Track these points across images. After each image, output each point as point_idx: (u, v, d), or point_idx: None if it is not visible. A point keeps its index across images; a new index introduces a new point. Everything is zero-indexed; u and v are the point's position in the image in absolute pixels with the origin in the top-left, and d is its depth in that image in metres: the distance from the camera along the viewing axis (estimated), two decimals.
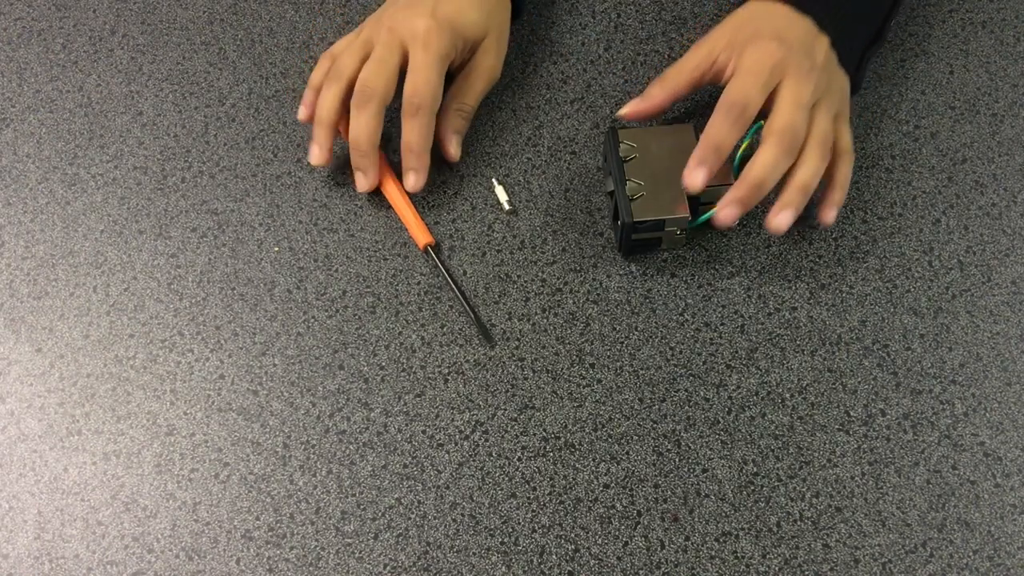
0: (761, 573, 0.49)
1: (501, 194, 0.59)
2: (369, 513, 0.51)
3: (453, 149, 0.59)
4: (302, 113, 0.59)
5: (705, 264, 0.57)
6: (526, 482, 0.51)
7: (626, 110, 0.56)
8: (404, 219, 0.58)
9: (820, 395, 0.53)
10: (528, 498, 0.51)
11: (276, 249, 0.58)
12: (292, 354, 0.55)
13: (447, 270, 0.55)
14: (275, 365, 0.55)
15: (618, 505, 0.51)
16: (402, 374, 0.54)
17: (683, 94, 0.55)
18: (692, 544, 0.50)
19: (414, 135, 0.56)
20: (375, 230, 0.58)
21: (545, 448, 0.52)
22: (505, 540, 0.50)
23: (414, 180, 0.57)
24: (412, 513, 0.51)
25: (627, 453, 0.52)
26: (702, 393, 0.53)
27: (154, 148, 0.62)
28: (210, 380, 0.54)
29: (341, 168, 0.60)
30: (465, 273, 0.57)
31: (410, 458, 0.52)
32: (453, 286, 0.55)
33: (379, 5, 0.65)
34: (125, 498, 0.52)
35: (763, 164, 0.50)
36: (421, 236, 0.57)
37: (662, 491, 0.51)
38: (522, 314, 0.56)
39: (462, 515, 0.51)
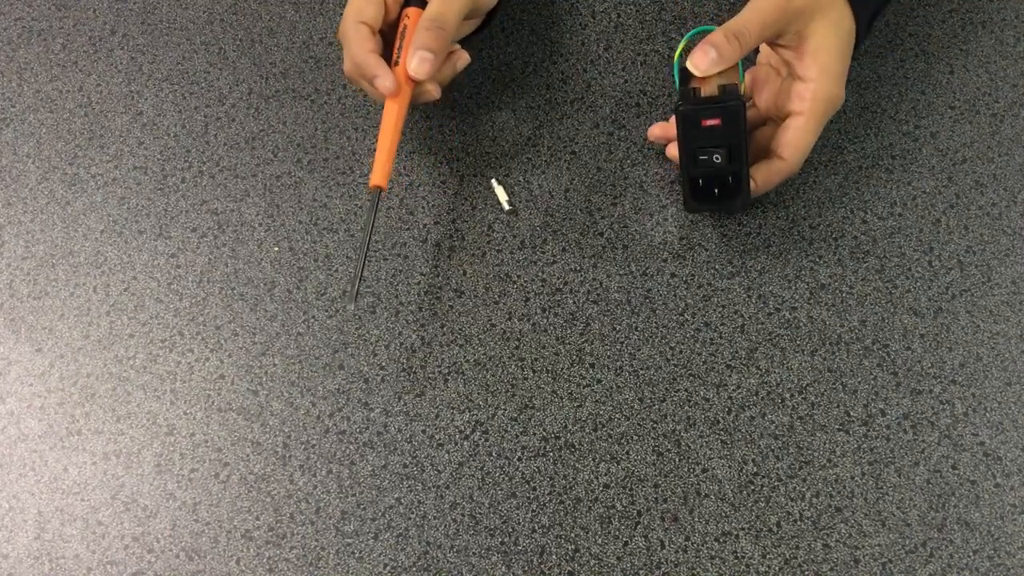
0: (761, 573, 0.49)
1: (501, 194, 0.59)
2: (369, 513, 0.51)
3: (413, 65, 0.53)
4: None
5: (705, 264, 0.57)
6: (526, 482, 0.51)
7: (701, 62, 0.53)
8: (378, 149, 0.54)
9: (820, 395, 0.53)
10: (528, 498, 0.51)
11: (276, 249, 0.58)
12: (292, 354, 0.55)
13: (373, 221, 0.53)
14: (275, 365, 0.55)
15: (618, 505, 0.51)
16: (402, 374, 0.54)
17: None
18: (692, 544, 0.50)
19: (345, 64, 0.55)
20: (375, 230, 0.58)
21: (545, 448, 0.52)
22: (505, 540, 0.50)
23: (380, 83, 0.53)
24: (412, 513, 0.51)
25: (627, 453, 0.52)
26: (702, 393, 0.53)
27: (154, 148, 0.62)
28: (210, 380, 0.55)
29: (341, 169, 0.60)
30: (465, 273, 0.57)
31: (410, 458, 0.52)
32: (367, 236, 0.52)
33: None
34: (125, 498, 0.52)
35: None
36: (377, 175, 0.53)
37: (662, 491, 0.51)
38: (522, 314, 0.56)
39: (462, 515, 0.51)
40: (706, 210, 0.57)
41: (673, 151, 0.57)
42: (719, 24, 0.52)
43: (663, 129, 0.58)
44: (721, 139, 0.52)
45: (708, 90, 0.53)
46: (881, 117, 0.61)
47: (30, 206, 0.60)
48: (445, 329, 0.55)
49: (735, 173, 0.53)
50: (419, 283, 0.57)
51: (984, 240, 0.57)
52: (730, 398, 0.53)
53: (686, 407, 0.53)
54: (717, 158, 0.53)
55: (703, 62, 0.51)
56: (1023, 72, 0.62)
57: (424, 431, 0.53)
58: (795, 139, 0.53)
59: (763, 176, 0.54)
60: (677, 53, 0.56)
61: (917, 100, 0.61)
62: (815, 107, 0.53)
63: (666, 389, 0.53)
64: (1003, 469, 0.51)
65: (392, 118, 0.54)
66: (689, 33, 0.56)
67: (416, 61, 0.53)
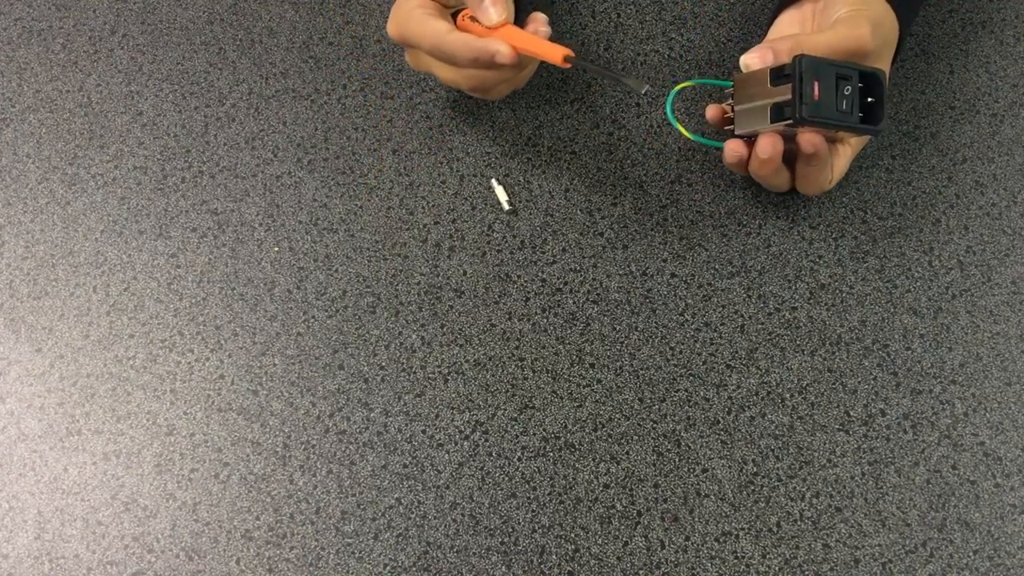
0: (761, 573, 0.49)
1: (501, 194, 0.59)
2: (369, 513, 0.51)
3: (489, 15, 0.53)
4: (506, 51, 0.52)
5: (705, 264, 0.57)
6: (526, 482, 0.51)
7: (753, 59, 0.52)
8: (532, 46, 0.52)
9: (820, 395, 0.53)
10: (528, 498, 0.51)
11: (276, 249, 0.58)
12: (292, 354, 0.55)
13: (594, 63, 0.51)
14: (275, 365, 0.55)
15: (618, 505, 0.51)
16: (402, 374, 0.54)
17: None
18: (692, 544, 0.50)
19: (445, 72, 0.55)
20: (375, 230, 0.58)
21: (545, 448, 0.52)
22: (505, 540, 0.50)
23: (501, 56, 0.51)
24: (412, 513, 0.51)
25: (627, 453, 0.52)
26: (702, 393, 0.53)
27: (154, 148, 0.62)
28: (210, 380, 0.55)
29: (341, 169, 0.60)
30: (465, 273, 0.57)
31: (410, 458, 0.52)
32: (605, 72, 0.51)
33: (378, 7, 0.65)
34: (125, 498, 0.52)
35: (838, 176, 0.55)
36: (556, 52, 0.51)
37: (662, 491, 0.51)
38: (522, 314, 0.56)
39: (462, 515, 0.51)
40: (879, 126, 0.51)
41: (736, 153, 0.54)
42: (711, 69, 0.51)
43: (718, 110, 0.56)
44: (830, 82, 0.49)
45: (760, 90, 0.51)
46: None
47: (30, 206, 0.60)
48: (445, 329, 0.55)
49: (861, 82, 0.50)
50: (419, 283, 0.57)
51: (984, 240, 0.57)
52: (730, 398, 0.53)
53: (686, 407, 0.53)
54: (848, 90, 0.49)
55: (754, 60, 0.51)
56: (1023, 72, 0.62)
57: (424, 431, 0.53)
58: (843, 165, 0.55)
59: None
60: (669, 101, 0.54)
61: (917, 100, 0.61)
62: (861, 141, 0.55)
63: (666, 389, 0.53)
64: (1003, 469, 0.51)
65: (517, 33, 0.53)
66: (676, 88, 0.54)
67: (489, 6, 0.52)
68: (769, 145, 0.51)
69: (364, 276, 0.57)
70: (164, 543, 0.50)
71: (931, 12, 0.64)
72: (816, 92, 0.49)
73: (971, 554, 0.49)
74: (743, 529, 0.50)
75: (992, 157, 0.59)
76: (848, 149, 0.55)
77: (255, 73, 0.64)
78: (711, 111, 0.55)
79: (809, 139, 0.50)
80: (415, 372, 0.54)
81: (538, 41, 0.52)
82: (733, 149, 0.53)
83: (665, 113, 0.55)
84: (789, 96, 0.49)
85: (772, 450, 0.52)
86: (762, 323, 0.55)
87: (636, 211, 0.58)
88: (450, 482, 0.51)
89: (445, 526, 0.50)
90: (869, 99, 0.50)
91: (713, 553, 0.49)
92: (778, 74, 0.50)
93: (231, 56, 0.65)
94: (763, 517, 0.50)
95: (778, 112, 0.50)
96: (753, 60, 0.51)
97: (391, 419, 0.53)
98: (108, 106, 0.63)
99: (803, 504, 0.50)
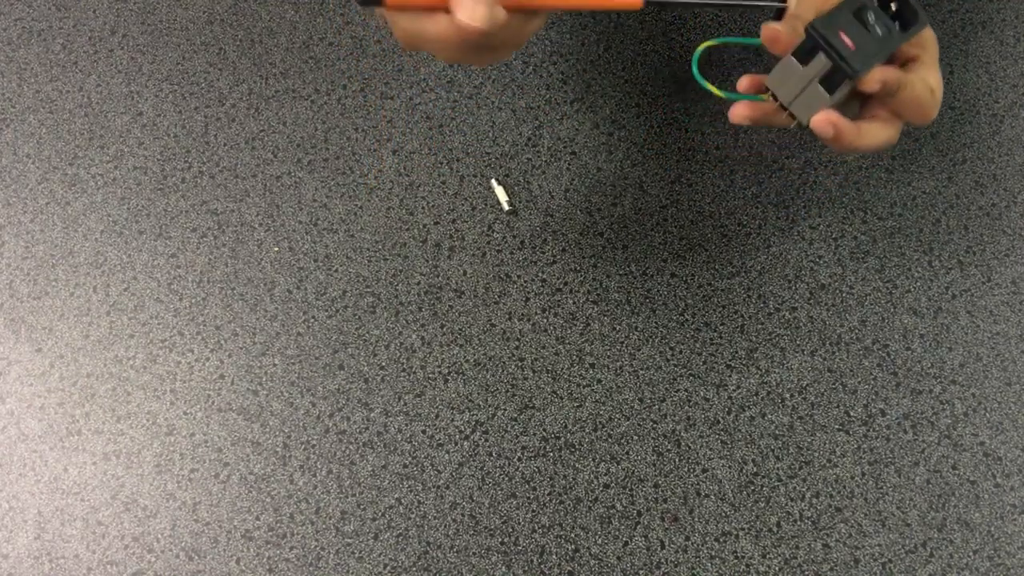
0: (761, 573, 0.49)
1: (501, 194, 0.59)
2: (369, 513, 0.51)
3: (467, 12, 0.37)
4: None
5: (705, 264, 0.57)
6: (526, 482, 0.51)
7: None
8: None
9: (820, 395, 0.53)
10: (528, 498, 0.51)
11: (276, 249, 0.58)
12: (292, 354, 0.55)
13: None
14: (275, 365, 0.55)
15: (618, 505, 0.51)
16: (402, 374, 0.54)
17: None
18: (692, 544, 0.50)
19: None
20: (375, 230, 0.58)
21: (545, 448, 0.52)
22: (505, 540, 0.50)
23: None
24: (412, 513, 0.51)
25: (627, 453, 0.52)
26: (702, 393, 0.53)
27: (154, 148, 0.62)
28: (210, 380, 0.55)
29: (341, 169, 0.60)
30: (465, 273, 0.57)
31: (410, 458, 0.52)
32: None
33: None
34: (125, 498, 0.52)
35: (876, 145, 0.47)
36: None
37: (662, 491, 0.51)
38: (522, 314, 0.56)
39: (462, 515, 0.51)
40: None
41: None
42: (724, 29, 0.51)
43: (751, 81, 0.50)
44: (859, 27, 0.46)
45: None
46: None
47: (30, 206, 0.60)
48: (445, 329, 0.55)
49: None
50: (419, 283, 0.57)
51: (984, 240, 0.57)
52: (730, 398, 0.53)
53: (686, 407, 0.53)
54: (872, 16, 0.46)
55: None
56: (1023, 72, 0.62)
57: (424, 431, 0.53)
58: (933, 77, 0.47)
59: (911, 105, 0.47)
60: (695, 61, 0.52)
61: None
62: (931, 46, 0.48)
63: (666, 389, 0.53)
64: (1003, 469, 0.51)
65: None
66: (700, 48, 0.54)
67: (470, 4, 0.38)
68: (824, 123, 0.47)
69: (364, 276, 0.57)
70: (164, 543, 0.50)
71: (931, 12, 0.64)
72: (849, 42, 0.48)
73: (971, 554, 0.49)
74: (743, 529, 0.50)
75: (992, 157, 0.59)
76: (925, 54, 0.48)
77: (255, 73, 0.64)
78: (744, 81, 0.51)
79: (870, 80, 0.46)
80: (415, 372, 0.54)
81: None
82: (740, 113, 0.48)
83: (692, 74, 0.53)
84: (830, 66, 0.48)
85: (772, 450, 0.52)
86: (762, 323, 0.55)
87: (636, 211, 0.58)
88: (450, 482, 0.51)
89: (445, 526, 0.50)
90: (893, 6, 0.47)
91: (713, 553, 0.49)
92: (802, 51, 0.49)
93: (231, 56, 0.65)
94: (763, 517, 0.50)
95: (831, 82, 0.49)
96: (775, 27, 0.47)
97: (391, 419, 0.53)
98: (108, 106, 0.63)
99: (803, 504, 0.50)
